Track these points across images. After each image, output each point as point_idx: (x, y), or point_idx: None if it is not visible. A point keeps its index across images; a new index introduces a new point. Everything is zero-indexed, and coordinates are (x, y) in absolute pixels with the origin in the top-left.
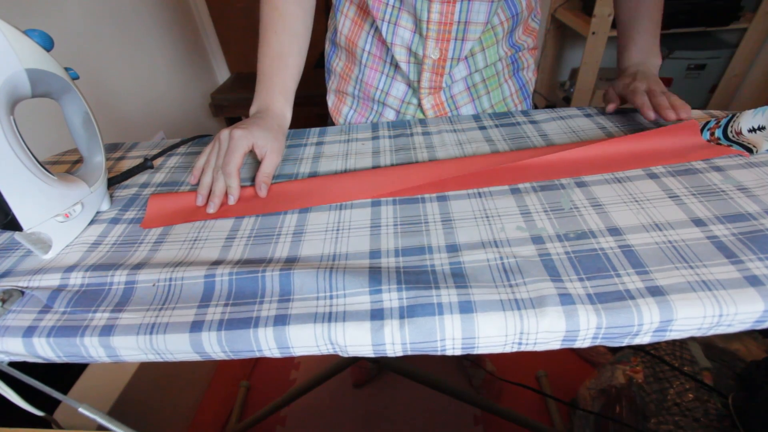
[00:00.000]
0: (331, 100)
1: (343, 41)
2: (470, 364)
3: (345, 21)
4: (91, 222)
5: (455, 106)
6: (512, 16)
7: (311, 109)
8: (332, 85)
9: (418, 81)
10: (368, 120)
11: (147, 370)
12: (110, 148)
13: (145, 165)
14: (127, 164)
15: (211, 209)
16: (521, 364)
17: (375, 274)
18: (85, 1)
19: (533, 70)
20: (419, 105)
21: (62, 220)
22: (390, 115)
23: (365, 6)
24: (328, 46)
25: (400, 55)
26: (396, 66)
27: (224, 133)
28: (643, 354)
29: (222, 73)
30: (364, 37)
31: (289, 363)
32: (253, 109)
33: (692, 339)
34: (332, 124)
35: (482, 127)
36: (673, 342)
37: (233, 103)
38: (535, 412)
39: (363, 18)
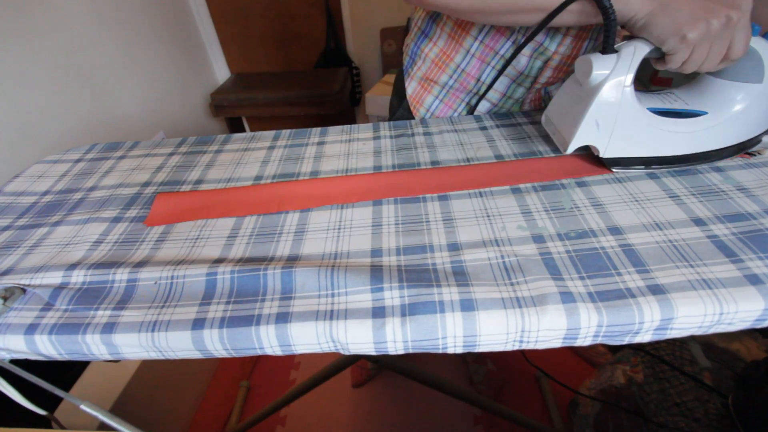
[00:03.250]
0: (412, 87)
1: (450, 26)
2: (472, 360)
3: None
4: (92, 221)
5: (549, 98)
6: None
7: (311, 108)
8: (417, 71)
9: (536, 77)
10: (456, 112)
11: (148, 370)
12: (110, 148)
13: None
14: (127, 164)
15: None
16: (521, 363)
17: (376, 273)
18: (85, 1)
19: None
20: (517, 99)
21: None
22: (483, 108)
23: None
24: (419, 26)
25: (527, 48)
26: (507, 60)
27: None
28: (643, 354)
29: (222, 73)
30: (480, 26)
31: (289, 363)
32: None
33: (692, 339)
34: (404, 113)
35: (483, 128)
36: (673, 342)
37: (233, 103)
38: (535, 412)
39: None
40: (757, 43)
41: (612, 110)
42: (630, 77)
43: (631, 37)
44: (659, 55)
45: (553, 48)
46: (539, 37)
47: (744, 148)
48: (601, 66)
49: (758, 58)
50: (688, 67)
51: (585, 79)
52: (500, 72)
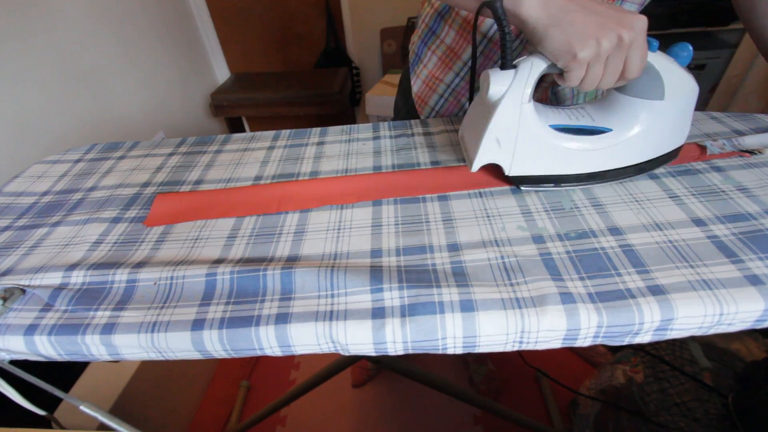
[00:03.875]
0: (417, 85)
1: (459, 21)
2: (473, 360)
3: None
4: (92, 221)
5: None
6: None
7: (311, 108)
8: (423, 69)
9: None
10: (461, 112)
11: (148, 370)
12: (110, 148)
13: None
14: (127, 164)
15: None
16: (521, 363)
17: (376, 273)
18: (85, 1)
19: None
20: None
21: None
22: None
23: None
24: (426, 23)
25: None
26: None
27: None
28: (643, 354)
29: (222, 73)
30: (490, 23)
31: (289, 363)
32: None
33: (692, 339)
34: (409, 112)
35: None
36: (673, 342)
37: (233, 103)
38: (535, 412)
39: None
40: (656, 59)
41: (512, 127)
42: (527, 93)
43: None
44: (558, 70)
45: None
46: None
47: (650, 166)
48: (498, 82)
49: (657, 74)
50: (586, 85)
51: (485, 96)
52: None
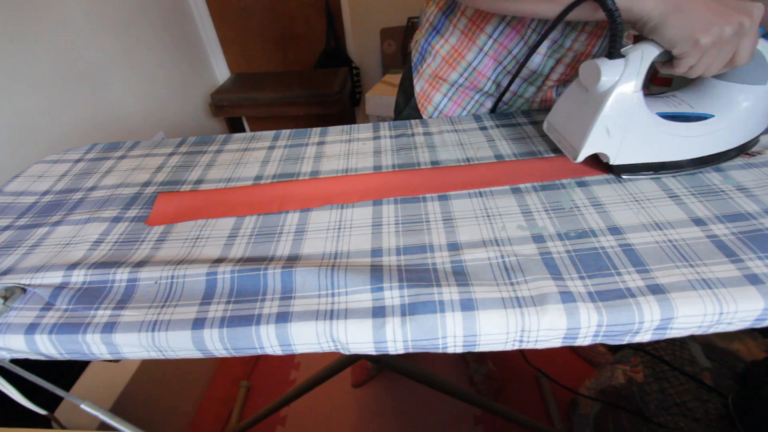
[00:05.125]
0: (420, 84)
1: (464, 23)
2: (473, 359)
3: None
4: (93, 221)
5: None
6: None
7: (312, 108)
8: (427, 68)
9: (548, 75)
10: (465, 111)
11: (148, 369)
12: (110, 148)
13: None
14: (127, 164)
15: None
16: (521, 363)
17: (377, 272)
18: (86, 2)
19: None
20: (528, 98)
21: None
22: (491, 105)
23: None
24: (431, 21)
25: (542, 47)
26: (521, 62)
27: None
28: (643, 354)
29: (222, 73)
30: (495, 24)
31: (289, 363)
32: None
33: (692, 339)
34: (411, 112)
35: (483, 128)
36: (673, 342)
37: (233, 103)
38: (535, 412)
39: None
40: (762, 45)
41: (622, 117)
42: (639, 82)
43: (638, 39)
44: (667, 58)
45: (568, 45)
46: (554, 35)
47: (744, 149)
48: (609, 72)
49: (762, 60)
50: (694, 72)
51: (592, 86)
52: (515, 75)
